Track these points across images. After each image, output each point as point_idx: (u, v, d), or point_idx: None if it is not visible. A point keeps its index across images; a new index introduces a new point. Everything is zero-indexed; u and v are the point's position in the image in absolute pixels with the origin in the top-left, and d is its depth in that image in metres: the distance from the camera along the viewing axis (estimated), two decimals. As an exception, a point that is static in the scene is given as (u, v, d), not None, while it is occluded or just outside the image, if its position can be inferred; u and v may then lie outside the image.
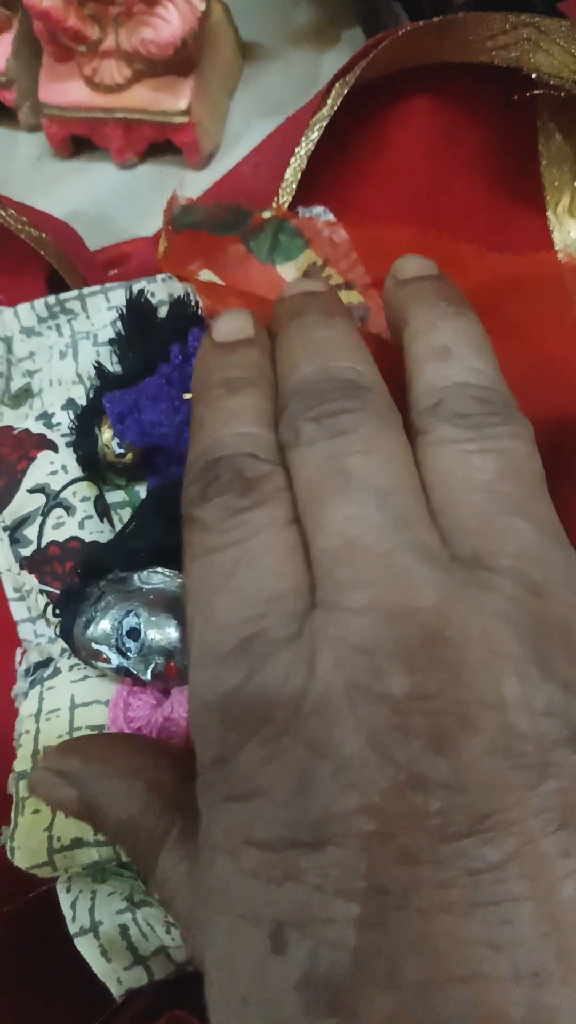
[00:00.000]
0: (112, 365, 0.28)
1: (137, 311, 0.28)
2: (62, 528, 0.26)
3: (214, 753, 0.16)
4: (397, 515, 0.17)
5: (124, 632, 0.23)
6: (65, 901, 0.23)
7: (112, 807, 0.19)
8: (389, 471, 0.18)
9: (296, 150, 0.29)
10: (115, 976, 0.22)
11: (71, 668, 0.26)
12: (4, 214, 0.27)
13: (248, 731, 0.16)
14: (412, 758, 0.15)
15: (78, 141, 0.42)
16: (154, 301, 0.28)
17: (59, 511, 0.26)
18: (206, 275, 0.27)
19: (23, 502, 0.26)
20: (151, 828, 0.19)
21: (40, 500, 0.26)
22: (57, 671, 0.26)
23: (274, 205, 0.29)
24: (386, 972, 0.14)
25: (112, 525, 0.27)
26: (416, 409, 0.20)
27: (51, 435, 0.27)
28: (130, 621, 0.23)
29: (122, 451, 0.26)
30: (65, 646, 0.26)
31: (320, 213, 0.30)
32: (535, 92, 0.30)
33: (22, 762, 0.24)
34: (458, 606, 0.16)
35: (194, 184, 0.40)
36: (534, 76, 0.30)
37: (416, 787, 0.14)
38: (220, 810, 0.16)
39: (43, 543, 0.26)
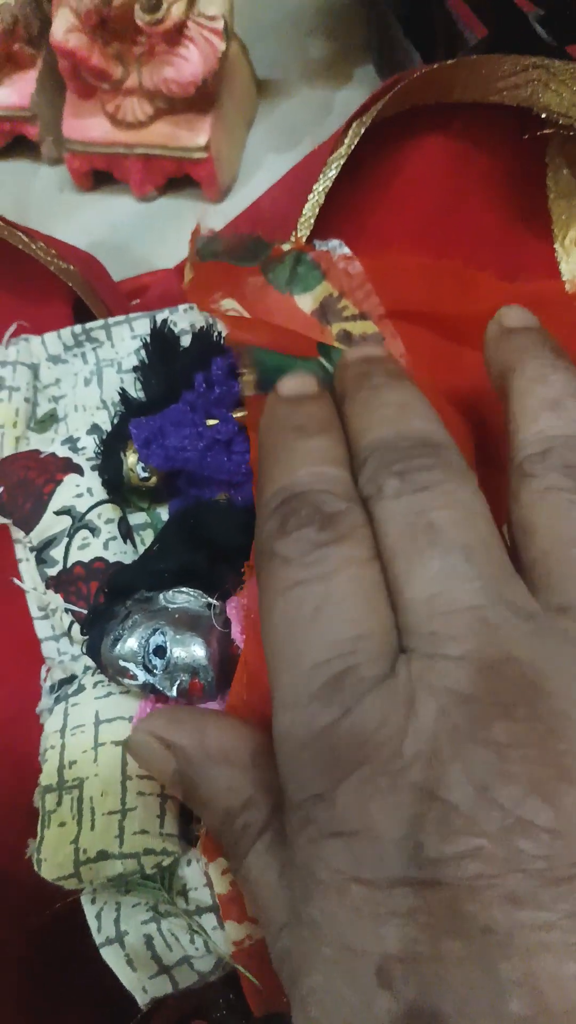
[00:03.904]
0: (136, 392, 0.29)
1: (160, 340, 0.29)
2: (87, 549, 0.27)
3: (311, 790, 0.17)
4: (484, 569, 0.18)
5: (151, 650, 0.24)
6: (90, 912, 0.24)
7: (213, 794, 0.20)
8: (473, 525, 0.19)
9: (314, 187, 0.30)
10: (141, 985, 0.23)
11: (95, 685, 0.26)
12: (34, 247, 0.28)
13: (346, 769, 0.17)
14: (518, 803, 0.15)
15: (99, 174, 0.43)
16: (176, 330, 0.29)
17: (84, 532, 0.27)
18: (228, 303, 0.28)
19: (49, 524, 0.27)
20: (247, 825, 0.19)
21: (66, 522, 0.27)
22: (81, 688, 0.26)
23: (293, 238, 0.30)
24: (491, 1007, 0.14)
25: (135, 546, 0.28)
26: (523, 454, 0.21)
27: (76, 459, 0.28)
28: (156, 639, 0.24)
29: (146, 475, 0.27)
30: (89, 663, 0.26)
31: (336, 247, 0.31)
32: (544, 132, 0.31)
33: (48, 776, 0.25)
34: (553, 659, 0.17)
35: (211, 216, 0.41)
36: (543, 116, 0.31)
37: (521, 832, 0.15)
38: (322, 846, 0.17)
39: (68, 563, 0.27)
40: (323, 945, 0.16)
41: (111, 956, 0.23)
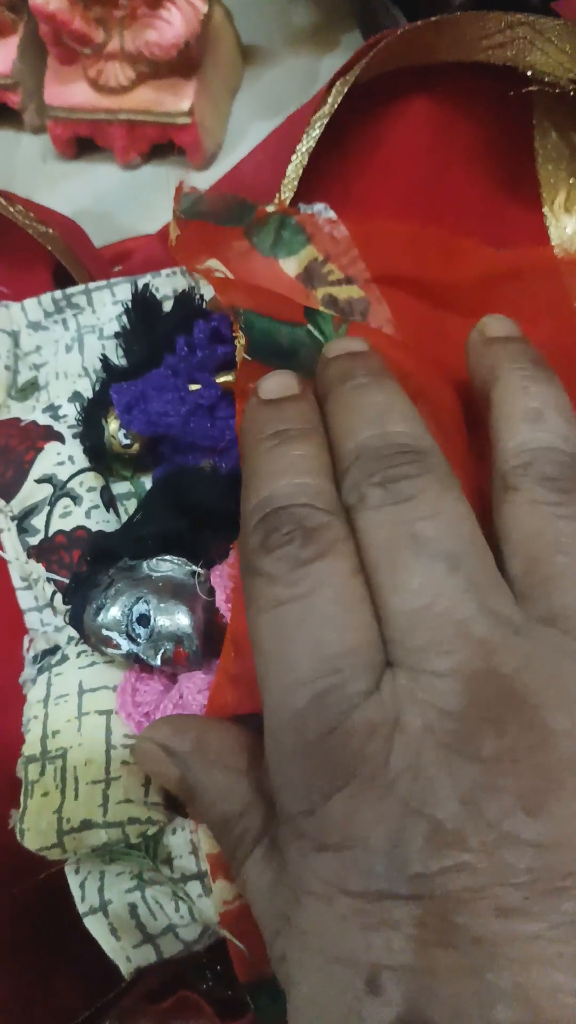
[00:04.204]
0: (117, 358, 0.29)
1: (142, 305, 0.28)
2: (69, 517, 0.26)
3: (302, 804, 0.17)
4: (469, 579, 0.18)
5: (134, 619, 0.23)
6: (74, 882, 0.24)
7: (213, 801, 0.20)
8: (457, 535, 0.19)
9: (297, 147, 0.29)
10: (124, 954, 0.22)
11: (78, 655, 0.26)
12: (12, 210, 0.28)
13: (334, 783, 0.17)
14: (503, 817, 0.16)
15: (82, 142, 0.43)
16: (158, 296, 0.29)
17: (66, 501, 0.27)
18: (213, 263, 0.27)
19: (30, 492, 0.27)
20: (245, 831, 0.20)
21: (47, 490, 0.27)
22: (65, 658, 0.26)
23: (276, 201, 0.30)
24: (479, 1016, 0.15)
25: (118, 515, 0.27)
26: (506, 465, 0.21)
27: (58, 426, 0.28)
28: (140, 608, 0.23)
29: (128, 442, 0.27)
30: (72, 633, 0.26)
31: (321, 210, 0.31)
32: (530, 89, 0.30)
33: (31, 747, 0.25)
34: (539, 672, 0.17)
35: (196, 183, 0.40)
36: (529, 74, 0.30)
37: (507, 845, 0.15)
38: (312, 859, 0.17)
39: (50, 532, 0.26)
40: (314, 954, 0.17)
41: (95, 925, 0.23)
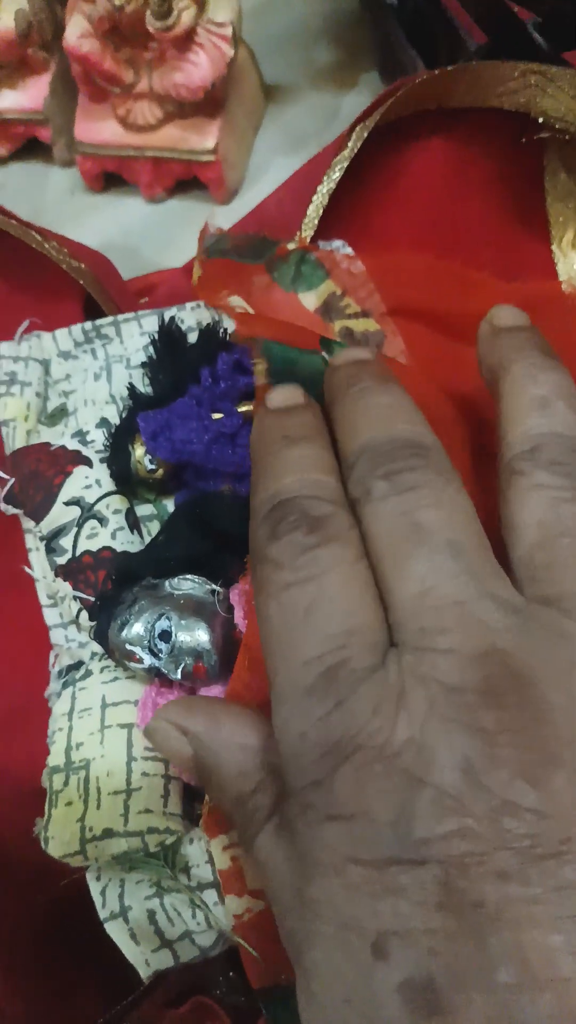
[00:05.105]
0: (144, 387, 0.30)
1: (168, 336, 0.30)
2: (95, 539, 0.27)
3: (309, 777, 0.18)
4: (469, 565, 0.19)
5: (156, 634, 0.24)
6: (95, 888, 0.24)
7: (226, 779, 0.21)
8: (458, 523, 0.20)
9: (318, 188, 0.31)
10: (143, 958, 0.23)
11: (102, 670, 0.27)
12: (48, 246, 0.29)
13: (341, 756, 0.17)
14: (504, 786, 0.16)
15: (109, 176, 0.44)
16: (184, 327, 0.30)
17: (93, 523, 0.28)
18: (235, 301, 0.28)
19: (59, 514, 0.28)
20: (257, 808, 0.20)
21: (75, 512, 0.28)
22: (88, 673, 0.27)
23: (297, 238, 0.31)
24: (482, 977, 0.15)
25: (142, 536, 0.28)
26: (512, 452, 0.21)
27: (86, 451, 0.29)
28: (162, 624, 0.24)
29: (153, 467, 0.28)
30: (96, 650, 0.27)
31: (339, 246, 0.32)
32: (541, 135, 0.31)
33: (55, 758, 0.26)
34: (537, 649, 0.18)
35: (219, 217, 0.42)
36: (541, 120, 0.32)
37: (507, 812, 0.16)
38: (321, 830, 0.17)
39: (77, 552, 0.27)
40: (323, 923, 0.17)
41: (115, 930, 0.23)
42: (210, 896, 0.24)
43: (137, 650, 0.25)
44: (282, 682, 0.19)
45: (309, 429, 0.23)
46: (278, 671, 0.19)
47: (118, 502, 0.28)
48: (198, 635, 0.24)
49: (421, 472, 0.20)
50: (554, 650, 0.18)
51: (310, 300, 0.30)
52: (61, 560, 0.28)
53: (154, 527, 0.29)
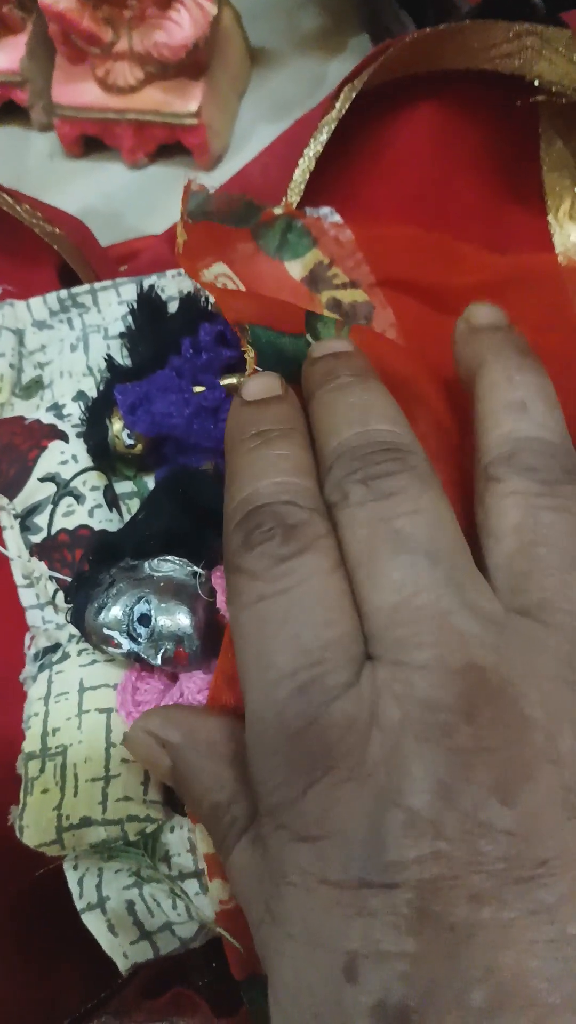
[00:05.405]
0: (122, 358, 0.29)
1: (148, 305, 0.28)
2: (72, 516, 0.26)
3: (281, 795, 0.18)
4: (449, 574, 0.18)
5: (135, 618, 0.23)
6: (72, 878, 0.24)
7: (203, 789, 0.20)
8: (436, 531, 0.19)
9: (304, 151, 0.29)
10: (121, 950, 0.23)
11: (79, 653, 0.26)
12: (19, 209, 0.28)
13: (312, 774, 0.17)
14: (478, 807, 0.16)
15: (89, 141, 0.43)
16: (164, 296, 0.29)
17: (69, 499, 0.27)
18: (219, 268, 0.27)
19: (34, 490, 0.27)
20: (233, 820, 0.20)
21: (51, 489, 0.27)
22: (66, 656, 0.26)
23: (283, 204, 0.30)
24: (454, 1000, 0.15)
25: (121, 514, 0.27)
26: (489, 456, 0.21)
27: (62, 425, 0.28)
28: (141, 607, 0.23)
29: (132, 442, 0.27)
30: (73, 631, 0.26)
31: (327, 214, 0.31)
32: (536, 99, 0.30)
33: (31, 743, 0.25)
34: (516, 663, 0.17)
35: (203, 184, 0.41)
36: (536, 83, 0.30)
37: (481, 834, 0.16)
38: (291, 850, 0.17)
39: (53, 531, 0.26)
40: (294, 942, 0.17)
41: (92, 921, 0.23)
42: (191, 886, 0.23)
43: (115, 634, 0.24)
44: (255, 698, 0.19)
45: (286, 424, 0.22)
46: (251, 686, 0.19)
47: (95, 478, 0.27)
48: (179, 619, 0.23)
49: (399, 477, 0.20)
50: (532, 663, 0.17)
51: (296, 269, 0.29)
52: (36, 538, 0.27)
53: (134, 505, 0.28)
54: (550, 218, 0.34)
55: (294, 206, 0.30)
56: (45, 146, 0.44)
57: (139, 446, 0.27)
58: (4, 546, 0.29)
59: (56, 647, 0.27)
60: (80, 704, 0.25)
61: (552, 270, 0.32)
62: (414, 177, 0.36)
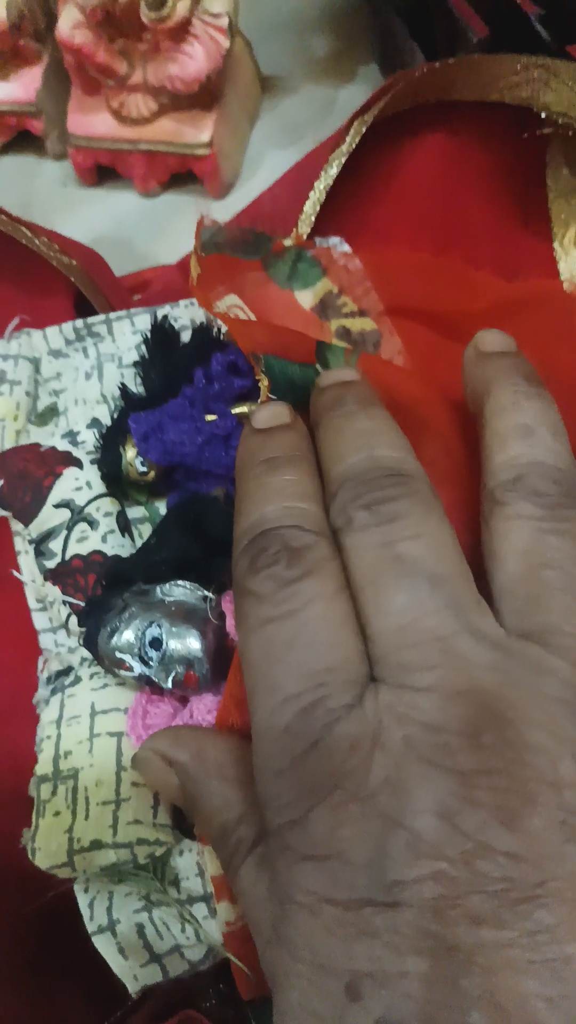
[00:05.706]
0: (136, 387, 0.29)
1: (161, 335, 0.29)
2: (85, 542, 0.27)
3: (286, 816, 0.18)
4: (451, 598, 0.19)
5: (147, 642, 0.24)
6: (83, 901, 0.24)
7: (211, 809, 0.21)
8: (439, 555, 0.19)
9: (315, 184, 0.30)
10: (131, 973, 0.23)
11: (91, 676, 0.26)
12: (38, 242, 0.29)
13: (317, 796, 0.17)
14: (479, 829, 0.16)
15: (102, 169, 0.44)
16: (177, 326, 0.30)
17: (83, 525, 0.27)
18: (231, 299, 0.28)
19: (48, 516, 0.27)
20: (240, 840, 0.20)
21: (65, 515, 0.27)
22: (78, 679, 0.27)
23: (294, 235, 0.30)
24: (454, 1020, 0.15)
25: (133, 540, 0.28)
26: (495, 480, 0.21)
27: (76, 452, 0.28)
28: (152, 632, 0.24)
29: (145, 469, 0.27)
30: (85, 655, 0.27)
31: (336, 244, 0.31)
32: (544, 131, 0.31)
33: (43, 766, 0.25)
34: (518, 687, 0.18)
35: (214, 211, 0.41)
36: (543, 115, 0.31)
37: (482, 856, 0.16)
38: (297, 869, 0.17)
39: (67, 556, 0.27)
40: (298, 962, 0.17)
41: (103, 944, 0.23)
42: (200, 910, 0.23)
43: (127, 658, 0.24)
44: (261, 719, 0.19)
45: (293, 451, 0.23)
46: (258, 708, 0.19)
47: (109, 504, 0.28)
48: (189, 643, 0.24)
49: (402, 502, 0.20)
50: (535, 687, 0.18)
51: (306, 298, 0.30)
52: (50, 564, 0.27)
53: (146, 530, 0.28)
54: (556, 245, 0.35)
55: (304, 237, 0.30)
56: (59, 174, 0.45)
57: (152, 473, 0.27)
58: (19, 571, 0.29)
59: (68, 670, 0.27)
60: (91, 728, 0.25)
61: (558, 297, 0.33)
62: (423, 203, 0.36)
